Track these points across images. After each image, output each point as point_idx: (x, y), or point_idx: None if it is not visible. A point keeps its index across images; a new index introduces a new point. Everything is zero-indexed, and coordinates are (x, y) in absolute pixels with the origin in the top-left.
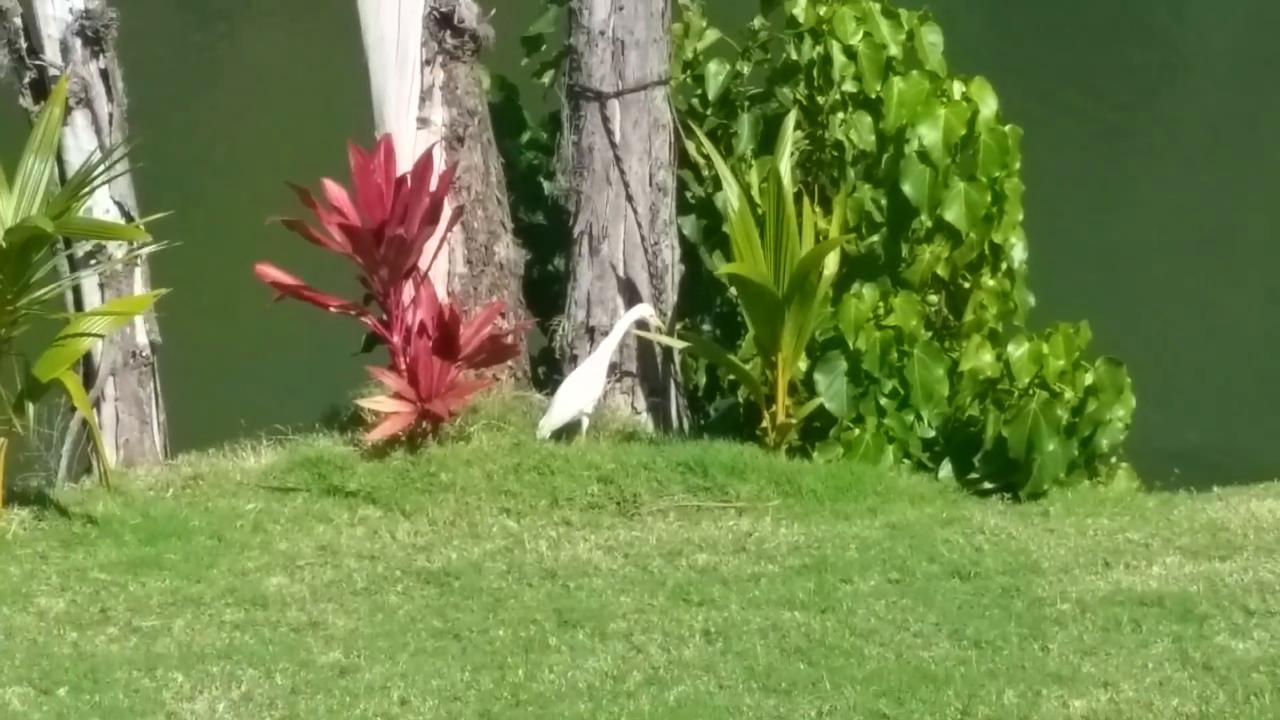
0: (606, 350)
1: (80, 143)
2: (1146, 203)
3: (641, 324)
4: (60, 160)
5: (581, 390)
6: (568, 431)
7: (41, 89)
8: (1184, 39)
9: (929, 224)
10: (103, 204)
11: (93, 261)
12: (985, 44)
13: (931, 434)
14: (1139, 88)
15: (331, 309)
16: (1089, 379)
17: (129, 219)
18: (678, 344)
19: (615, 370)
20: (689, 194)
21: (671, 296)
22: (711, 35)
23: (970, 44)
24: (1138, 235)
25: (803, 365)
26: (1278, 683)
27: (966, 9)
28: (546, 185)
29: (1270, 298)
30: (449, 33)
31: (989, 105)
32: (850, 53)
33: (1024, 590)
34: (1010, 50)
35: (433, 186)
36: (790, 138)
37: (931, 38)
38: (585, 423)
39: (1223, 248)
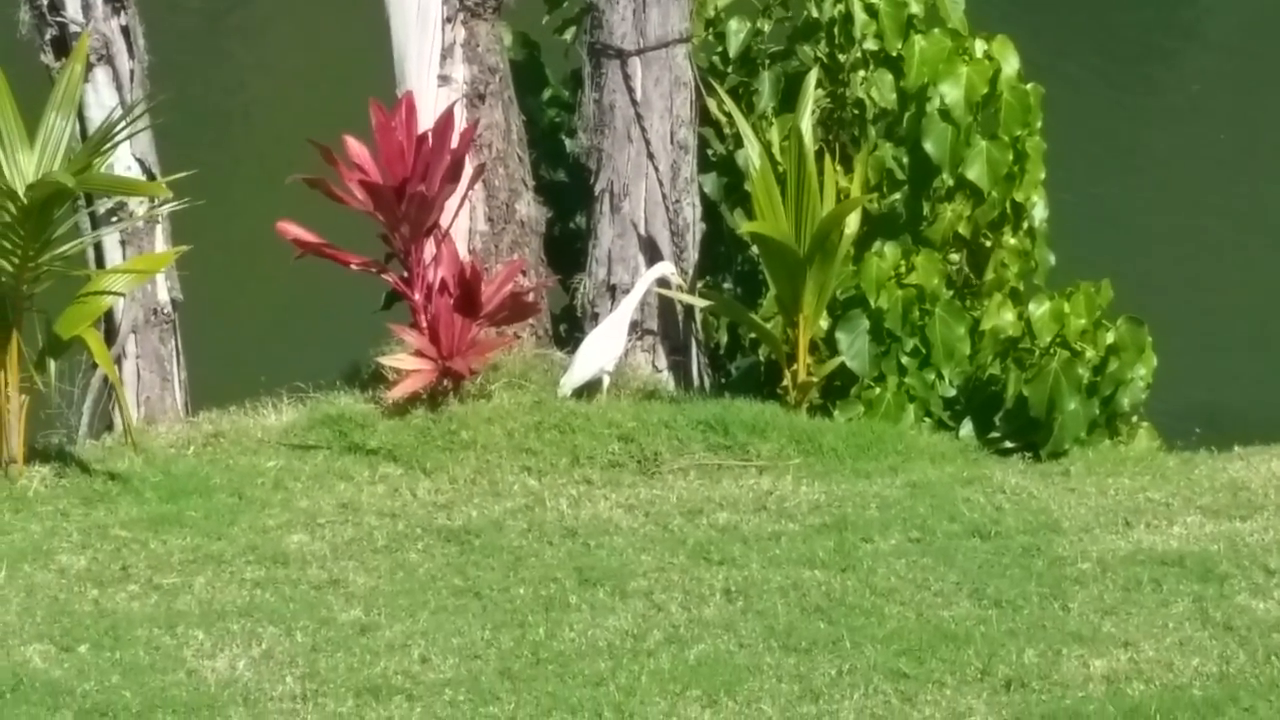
0: (627, 308)
1: (101, 99)
2: (1168, 161)
3: (663, 282)
4: (81, 117)
5: (602, 348)
6: (589, 390)
7: (63, 46)
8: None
9: (950, 182)
10: (124, 161)
11: (114, 218)
12: (1005, 2)
13: (952, 393)
14: (1160, 45)
15: (353, 266)
16: (1110, 338)
17: (150, 176)
18: (699, 302)
19: (636, 328)
20: (710, 152)
21: (693, 255)
22: None
23: (991, 2)
24: (1159, 194)
25: (824, 324)
26: None
27: None
28: (568, 143)
29: None
30: None
31: (1011, 63)
32: (871, 10)
33: (1044, 549)
34: (1031, 8)
35: (454, 144)
36: (812, 95)
37: None
38: (606, 381)
39: (1244, 206)
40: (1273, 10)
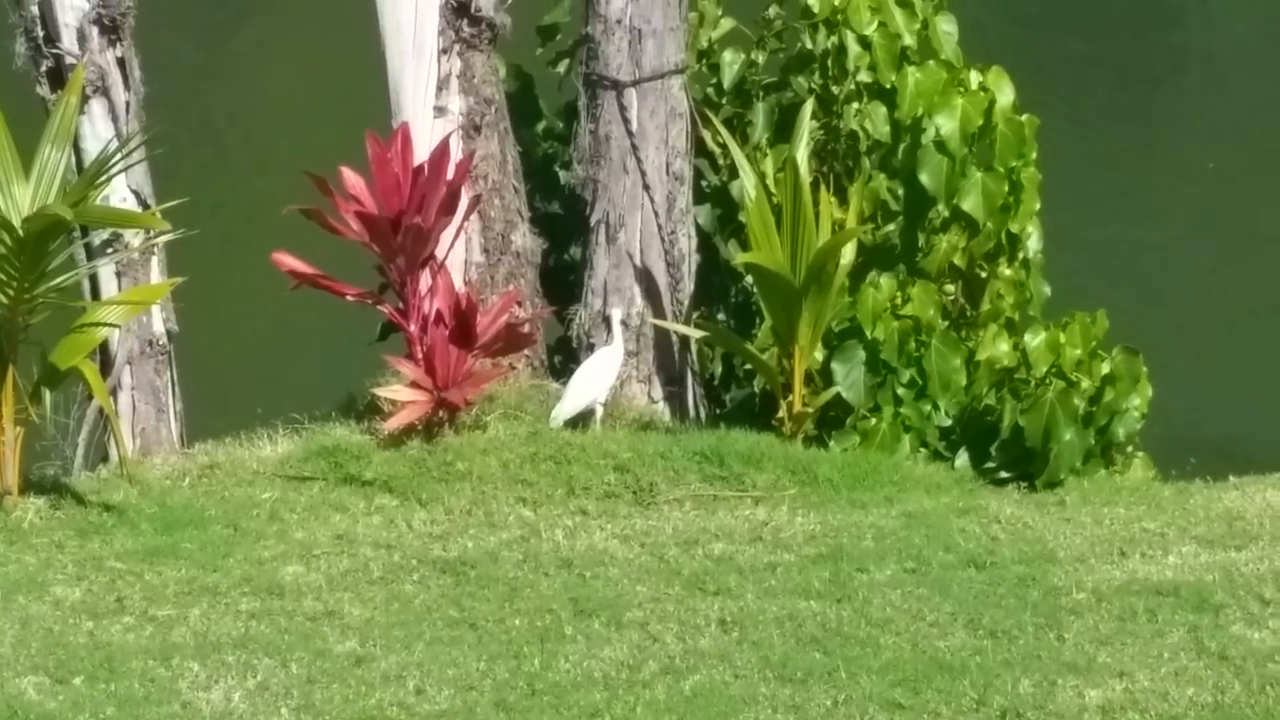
0: (616, 341)
1: (97, 131)
2: (1162, 192)
3: (657, 310)
4: (77, 149)
5: (594, 379)
6: (582, 420)
7: (58, 77)
8: (1201, 28)
9: (946, 214)
10: (120, 192)
11: (109, 250)
12: (998, 33)
13: (948, 423)
14: (1155, 76)
15: (348, 297)
16: (1105, 368)
17: (145, 207)
18: (694, 333)
19: (631, 358)
20: (704, 183)
21: (688, 285)
22: (726, 24)
23: (983, 33)
24: (1153, 224)
25: (819, 355)
26: None
27: None
28: (562, 174)
29: None
30: (466, 21)
31: (1006, 95)
32: (865, 42)
33: (1040, 580)
34: (1024, 39)
35: (450, 175)
36: (807, 127)
37: (946, 27)
38: (599, 411)
39: (1239, 236)
40: (1264, 34)
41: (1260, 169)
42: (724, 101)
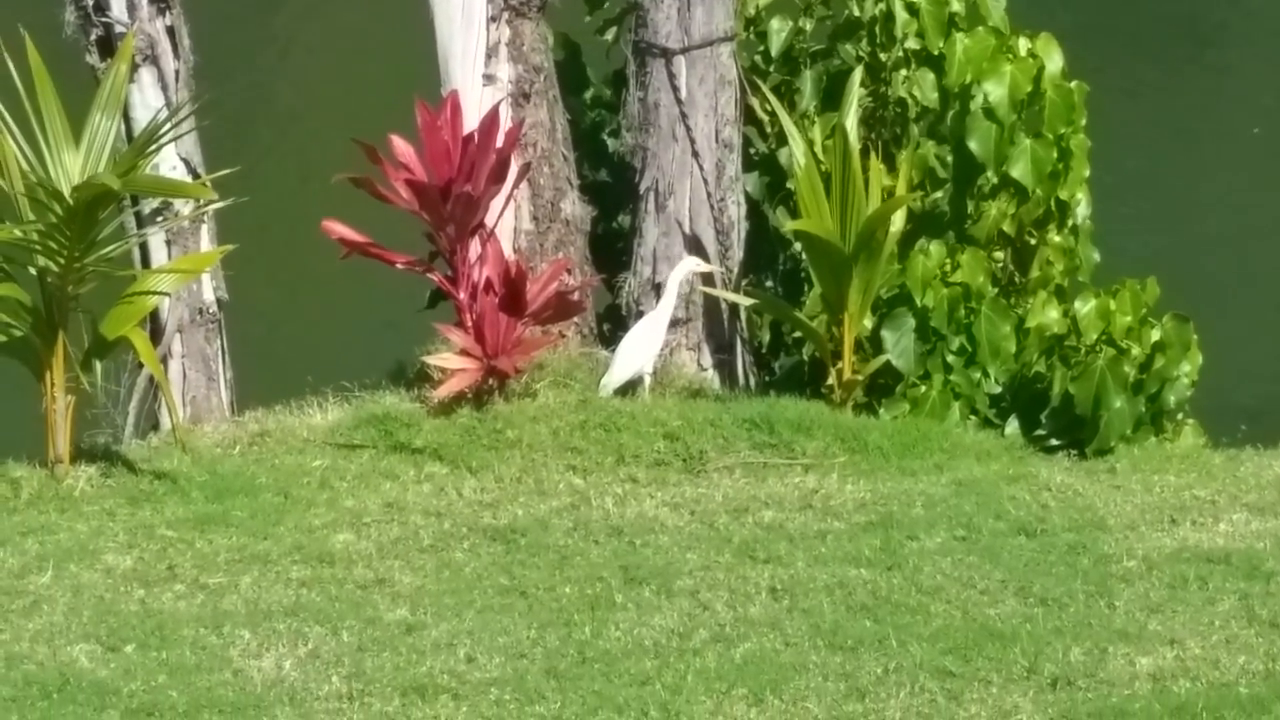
0: (666, 308)
1: (147, 100)
2: (1212, 157)
3: (707, 278)
4: (127, 118)
5: (641, 348)
6: (630, 389)
7: (108, 46)
8: None
9: (995, 180)
10: (169, 161)
11: (159, 218)
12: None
13: (998, 390)
14: (1204, 37)
15: (398, 265)
16: (1156, 335)
17: (195, 176)
18: (744, 300)
19: (680, 326)
20: (753, 150)
21: (738, 253)
22: None
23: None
24: (1204, 190)
25: (868, 322)
26: None
27: None
28: (610, 142)
29: None
30: None
31: (1055, 61)
32: (912, 9)
33: (1090, 547)
34: (1073, 5)
35: (499, 143)
36: (856, 94)
37: None
38: (648, 380)
39: None
40: None
41: None
42: (772, 69)
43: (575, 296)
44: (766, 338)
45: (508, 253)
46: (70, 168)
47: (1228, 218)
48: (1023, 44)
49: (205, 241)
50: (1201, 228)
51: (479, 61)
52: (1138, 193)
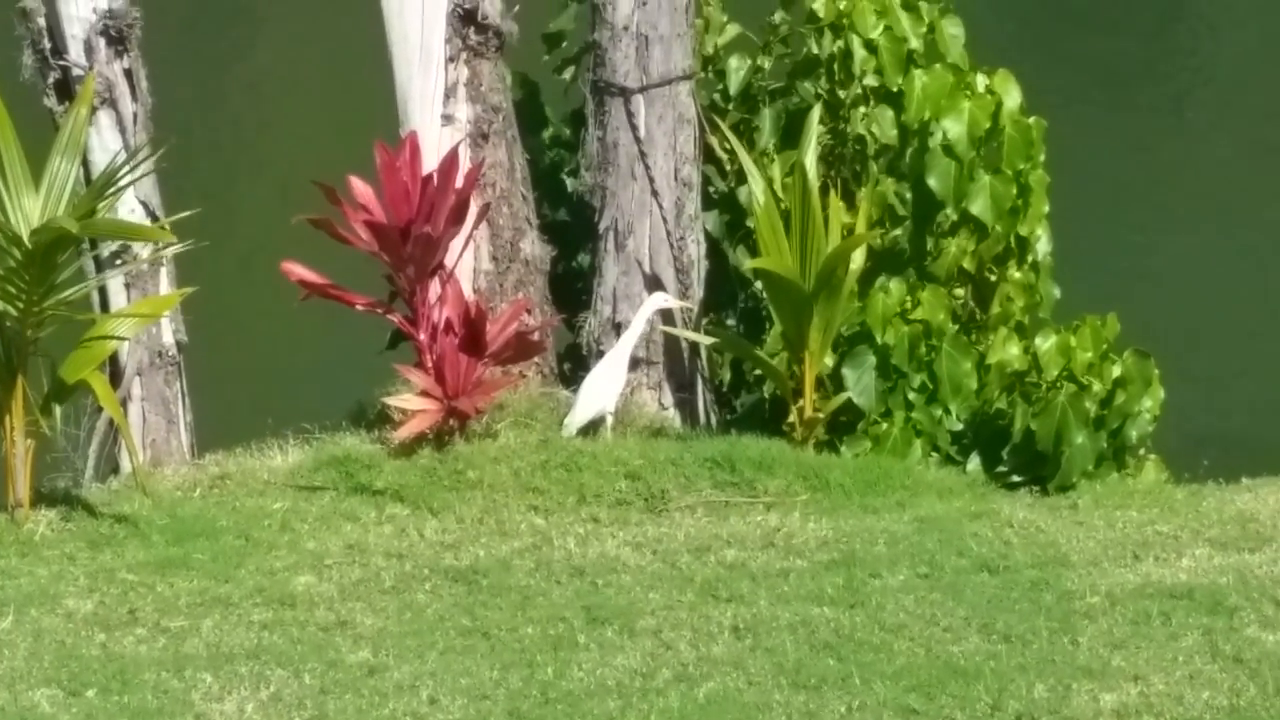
0: (626, 346)
1: (105, 143)
2: (1171, 192)
3: (667, 317)
4: (85, 160)
5: (603, 387)
6: (592, 428)
7: (66, 89)
8: (1208, 28)
9: (954, 217)
10: (128, 204)
11: (118, 262)
12: (1004, 35)
13: (959, 427)
14: (1160, 75)
15: (358, 307)
16: (1117, 371)
17: (154, 219)
18: (704, 339)
19: (642, 365)
20: (712, 189)
21: (698, 291)
22: (732, 30)
23: (989, 36)
24: (1164, 225)
25: (829, 360)
26: None
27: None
28: (570, 181)
29: None
30: (473, 29)
31: (1013, 97)
32: (871, 46)
33: (1053, 584)
34: (1031, 41)
35: (458, 184)
36: (815, 131)
37: (952, 30)
38: (609, 420)
39: (1250, 236)
40: (1271, 36)
41: (1272, 168)
42: (730, 107)
43: (535, 336)
44: (727, 376)
45: (467, 293)
46: (29, 211)
47: (1188, 252)
48: (981, 80)
49: (164, 284)
50: (1162, 263)
51: (437, 102)
52: (1098, 228)
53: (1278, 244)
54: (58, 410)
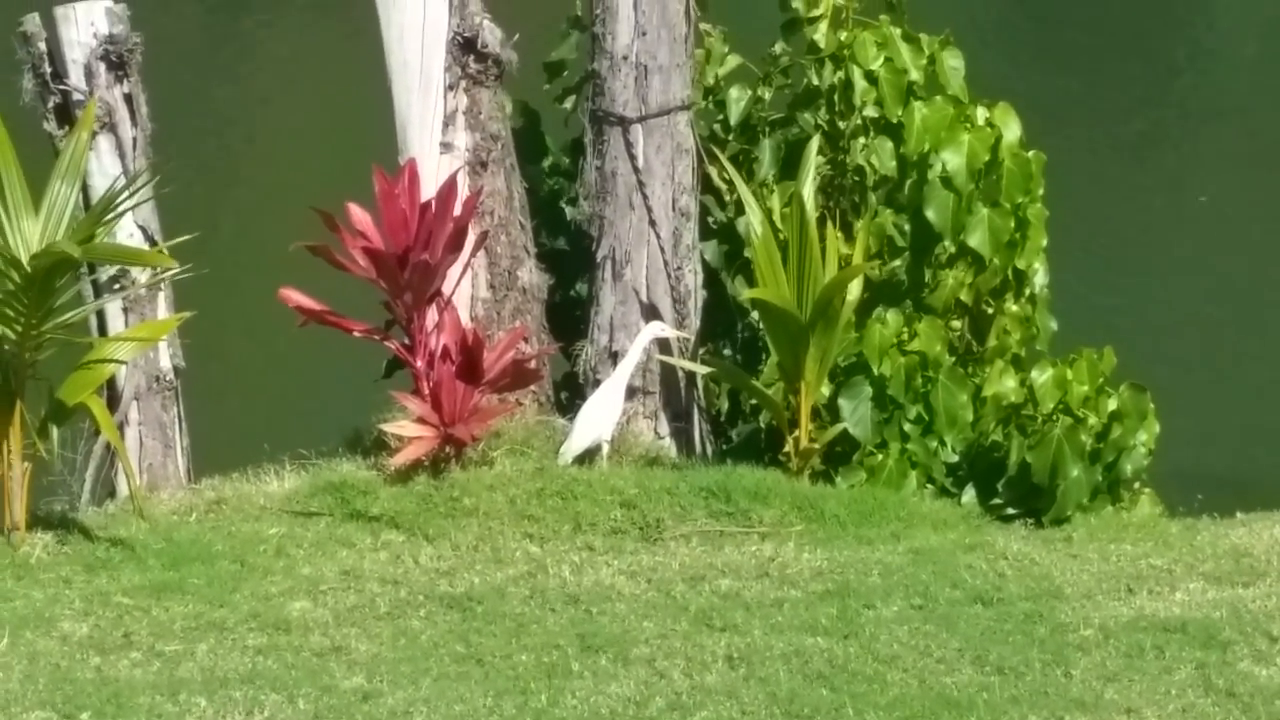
0: (623, 375)
1: (104, 167)
2: (1168, 228)
3: (664, 347)
4: (84, 185)
5: (600, 416)
6: (589, 457)
7: (65, 114)
8: (1204, 66)
9: (952, 249)
10: (127, 229)
11: (116, 286)
12: (1004, 69)
13: (955, 459)
14: (1158, 110)
15: (355, 334)
16: (1113, 404)
17: (152, 243)
18: (700, 369)
19: (638, 394)
20: (710, 219)
21: (695, 321)
22: (733, 61)
23: (989, 69)
24: (1161, 261)
25: (825, 390)
26: None
27: (983, 34)
28: (568, 210)
29: None
30: (472, 57)
31: (1012, 130)
32: (871, 78)
33: (1047, 616)
34: (1031, 76)
35: (457, 211)
36: (814, 162)
37: (953, 62)
38: (606, 449)
39: (1247, 270)
40: (1270, 77)
41: (1266, 203)
42: (730, 138)
43: (532, 365)
44: (724, 406)
45: (465, 321)
46: (29, 235)
47: (1184, 287)
48: (981, 113)
49: (162, 309)
50: (1158, 297)
51: (436, 129)
52: (1096, 262)
53: (1275, 277)
54: (55, 433)
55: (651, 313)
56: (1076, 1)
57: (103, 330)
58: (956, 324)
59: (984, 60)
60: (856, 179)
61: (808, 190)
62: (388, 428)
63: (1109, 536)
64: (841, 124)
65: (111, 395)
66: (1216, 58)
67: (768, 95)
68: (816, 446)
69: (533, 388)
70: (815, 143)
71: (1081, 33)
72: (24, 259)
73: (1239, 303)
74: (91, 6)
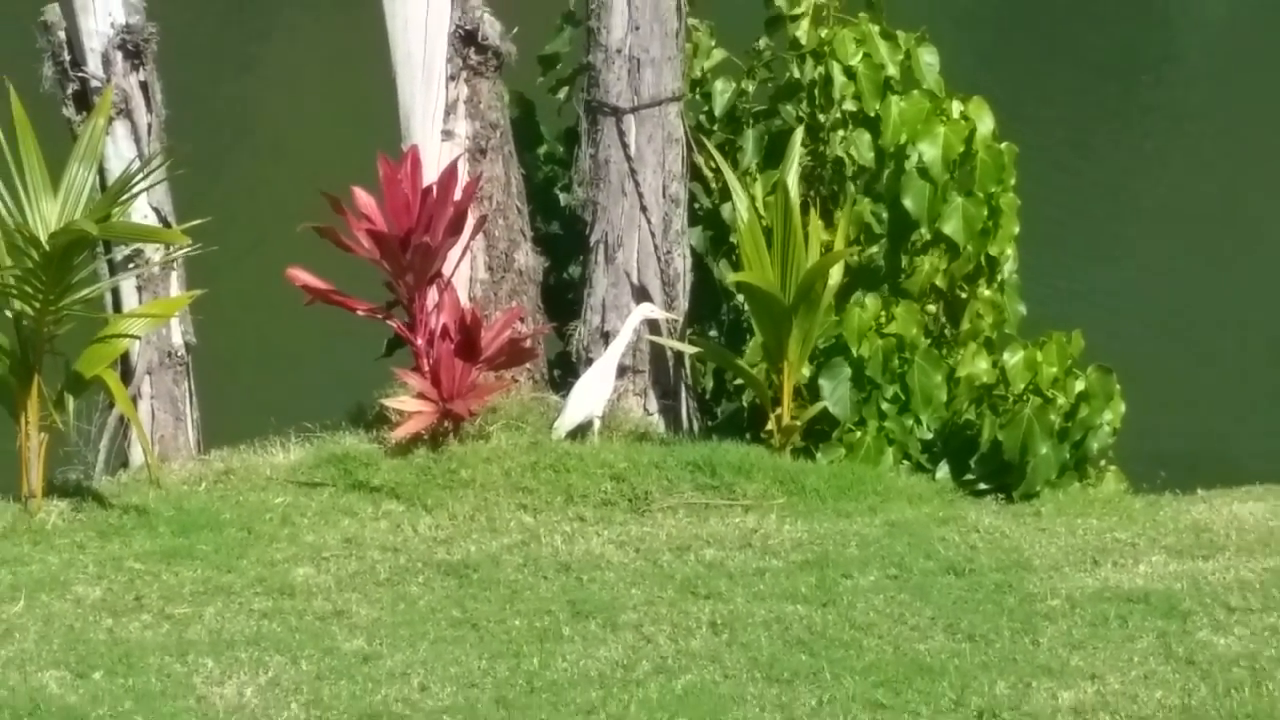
0: (614, 354)
1: (120, 151)
2: (1133, 216)
3: (654, 327)
4: (101, 168)
5: (592, 393)
6: (581, 432)
7: (84, 100)
8: (1169, 64)
9: (928, 237)
10: (141, 210)
11: (131, 265)
12: (979, 65)
13: (930, 437)
14: (1125, 108)
15: (359, 312)
16: (1080, 385)
17: (165, 224)
18: (688, 349)
19: (628, 372)
20: (698, 206)
21: (683, 303)
22: (719, 55)
23: (964, 64)
24: (1126, 248)
25: (806, 371)
26: (1257, 677)
27: (958, 30)
28: (562, 196)
29: (1252, 306)
30: (473, 49)
31: (986, 123)
32: (850, 73)
33: (1016, 586)
34: (1004, 71)
35: (457, 196)
36: (797, 153)
37: (928, 58)
38: (597, 424)
39: (1207, 259)
40: (1229, 73)
41: (1226, 196)
42: (716, 128)
43: (527, 344)
44: (710, 384)
45: (463, 301)
46: (48, 215)
47: (1149, 274)
48: (956, 107)
49: (174, 287)
50: (1124, 283)
51: (438, 118)
52: (1065, 249)
53: (1233, 266)
54: (71, 405)
55: (642, 295)
56: None
57: (117, 307)
58: (932, 308)
59: (959, 56)
60: (836, 169)
61: (791, 179)
62: (389, 402)
63: (1076, 511)
64: (822, 116)
65: (125, 369)
66: (1179, 58)
67: (751, 88)
68: (798, 424)
69: (528, 365)
70: (799, 134)
71: (1055, 29)
72: (43, 237)
73: (1201, 289)
74: None
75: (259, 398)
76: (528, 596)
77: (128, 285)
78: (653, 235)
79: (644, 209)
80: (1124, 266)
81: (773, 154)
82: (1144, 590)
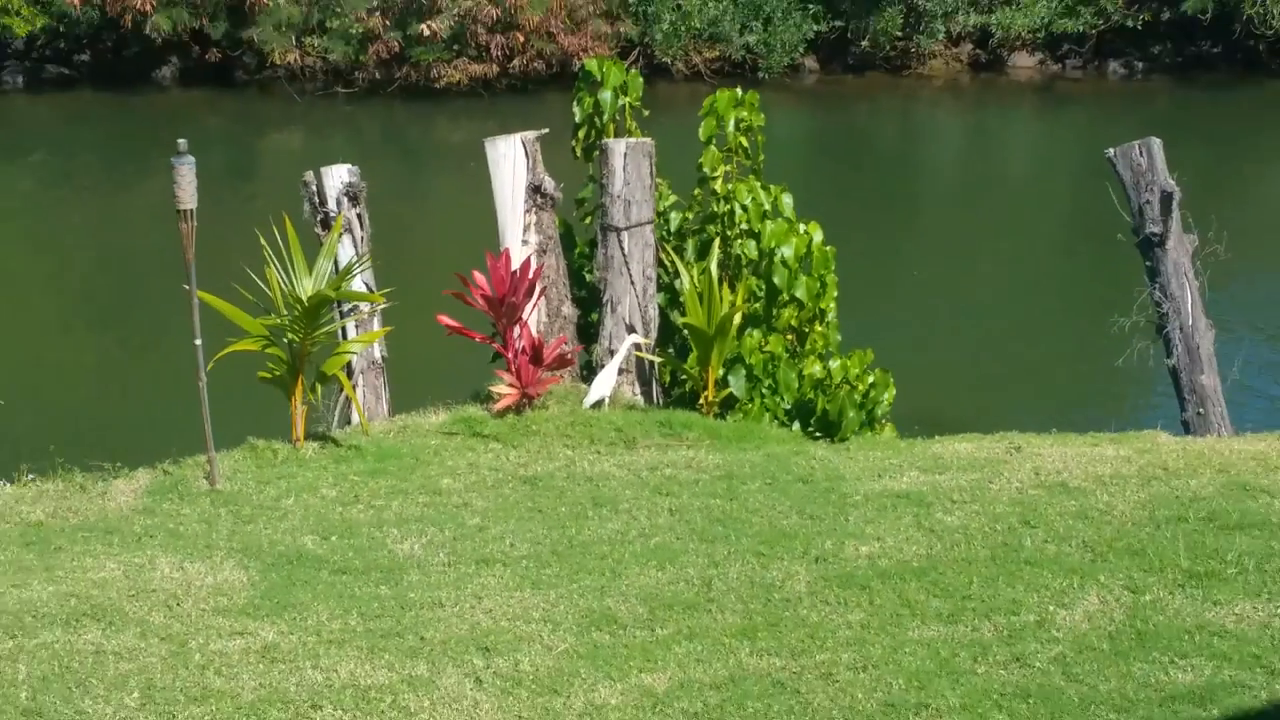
0: (616, 362)
1: (346, 252)
2: (904, 283)
3: (638, 347)
4: (335, 261)
5: (604, 383)
6: (599, 405)
7: (326, 223)
8: (925, 180)
9: (787, 298)
10: (357, 284)
11: (352, 313)
12: (814, 200)
13: (789, 408)
14: (910, 207)
15: (477, 339)
16: (871, 378)
17: (370, 291)
18: (657, 359)
19: (624, 372)
20: (661, 281)
21: (654, 334)
22: (672, 198)
23: (807, 200)
24: (900, 301)
25: (721, 371)
26: (969, 537)
27: (806, 181)
28: (588, 276)
29: (971, 330)
30: (538, 195)
31: (818, 235)
32: (744, 208)
33: (836, 489)
34: (829, 203)
35: (530, 276)
36: (716, 252)
37: (786, 199)
38: (607, 401)
39: (948, 307)
40: (973, 175)
41: (967, 261)
42: (671, 239)
43: (569, 357)
44: (668, 379)
45: (533, 333)
46: (306, 287)
47: (910, 317)
48: (801, 226)
49: (376, 325)
50: (897, 322)
51: (519, 233)
52: (863, 304)
53: (961, 310)
54: (319, 390)
55: (631, 330)
56: (859, 152)
57: (344, 336)
58: (790, 337)
59: (804, 195)
60: (737, 261)
61: (713, 266)
62: (493, 388)
63: (869, 448)
64: (729, 232)
65: (349, 371)
66: (934, 173)
67: (690, 216)
68: (716, 401)
69: (569, 369)
70: (717, 242)
71: (861, 171)
72: (304, 299)
73: (945, 318)
74: (340, 168)
75: (421, 386)
76: (568, 495)
77: (350, 325)
78: (638, 298)
79: (632, 283)
80: (898, 312)
81: (703, 253)
82: (906, 490)
